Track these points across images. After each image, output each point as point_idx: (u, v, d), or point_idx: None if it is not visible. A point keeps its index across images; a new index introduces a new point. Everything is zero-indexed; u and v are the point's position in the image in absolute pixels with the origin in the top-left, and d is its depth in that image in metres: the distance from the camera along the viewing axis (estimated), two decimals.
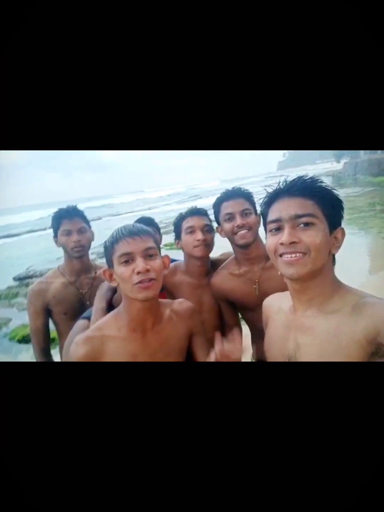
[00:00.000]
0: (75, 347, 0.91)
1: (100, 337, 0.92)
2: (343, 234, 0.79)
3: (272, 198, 0.79)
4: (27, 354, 4.16)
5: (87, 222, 1.60)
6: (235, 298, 1.42)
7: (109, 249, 0.92)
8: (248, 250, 1.34)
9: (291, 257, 0.74)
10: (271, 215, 0.78)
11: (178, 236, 1.46)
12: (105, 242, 0.94)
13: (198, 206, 1.49)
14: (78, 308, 1.50)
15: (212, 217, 1.44)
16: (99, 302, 1.27)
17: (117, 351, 0.91)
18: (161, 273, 0.92)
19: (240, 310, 1.48)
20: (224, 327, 1.51)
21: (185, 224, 1.41)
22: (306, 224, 0.73)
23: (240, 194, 1.34)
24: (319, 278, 0.76)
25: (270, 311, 0.97)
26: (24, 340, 4.53)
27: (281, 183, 0.78)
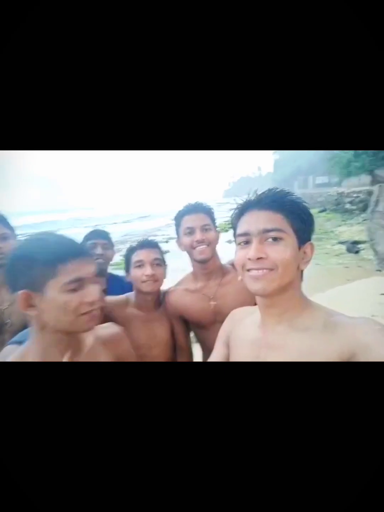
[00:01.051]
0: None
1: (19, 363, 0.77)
2: (312, 248, 0.77)
3: (242, 210, 0.78)
4: None
5: (9, 227, 1.41)
6: (191, 315, 1.40)
7: (42, 269, 0.72)
8: (205, 265, 1.35)
9: (257, 272, 0.72)
10: (240, 228, 0.77)
11: (127, 270, 1.41)
12: (28, 256, 0.73)
13: (149, 237, 1.45)
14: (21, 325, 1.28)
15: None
16: None
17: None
18: (102, 298, 0.84)
19: (194, 329, 1.47)
20: (175, 351, 1.49)
21: (135, 258, 1.36)
22: (275, 239, 0.72)
23: (201, 209, 1.35)
24: (288, 293, 0.75)
25: (234, 325, 0.92)
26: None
27: (251, 195, 0.77)
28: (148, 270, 1.33)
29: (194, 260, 1.38)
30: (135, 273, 1.35)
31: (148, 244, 1.39)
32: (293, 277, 0.74)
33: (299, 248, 0.75)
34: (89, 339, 0.87)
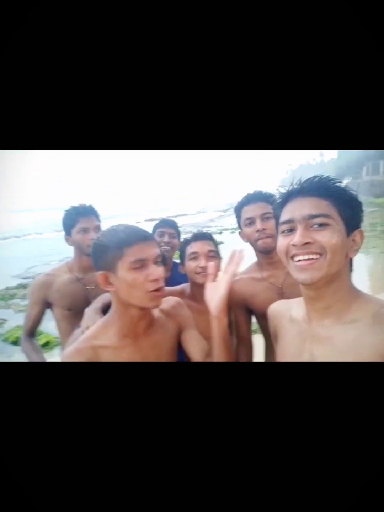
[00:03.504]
0: (66, 360, 0.86)
1: (90, 347, 0.87)
2: (362, 236, 0.73)
3: (285, 199, 0.75)
4: (21, 356, 4.08)
5: (99, 220, 1.61)
6: (257, 304, 1.34)
7: (113, 252, 0.83)
8: (270, 255, 1.31)
9: (304, 259, 0.69)
10: (283, 216, 0.74)
11: (182, 262, 1.42)
12: (104, 242, 0.85)
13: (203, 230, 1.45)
14: (83, 305, 1.43)
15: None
16: (95, 303, 1.23)
17: (111, 360, 0.87)
18: (165, 281, 0.90)
19: (258, 318, 1.41)
20: (237, 343, 1.46)
21: (189, 250, 1.37)
22: (321, 225, 0.68)
23: (260, 198, 1.30)
24: (336, 283, 0.71)
25: (279, 320, 0.91)
26: (18, 342, 4.45)
27: (294, 183, 0.74)
28: (202, 262, 1.32)
29: (257, 251, 1.35)
30: (190, 265, 1.36)
31: (202, 237, 1.39)
32: (341, 265, 0.70)
33: (348, 235, 0.71)
34: (156, 312, 0.99)
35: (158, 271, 0.84)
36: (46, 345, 4.24)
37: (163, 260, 1.19)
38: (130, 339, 0.90)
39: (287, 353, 0.83)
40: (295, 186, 0.73)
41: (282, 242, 0.74)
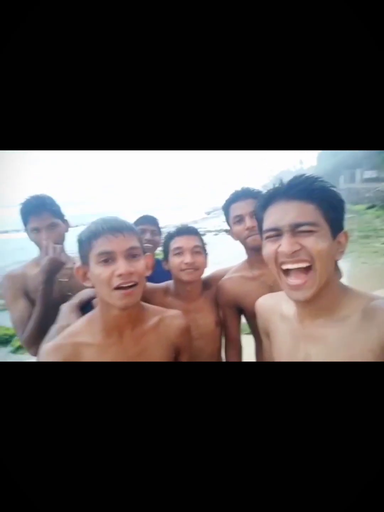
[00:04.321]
0: (44, 356, 0.80)
1: (72, 344, 0.81)
2: (347, 237, 0.72)
3: (268, 200, 0.72)
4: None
5: (57, 213, 1.43)
6: (248, 304, 1.29)
7: (84, 244, 0.80)
8: (260, 252, 1.28)
9: (294, 269, 0.68)
10: (267, 222, 0.71)
11: (166, 258, 1.33)
12: (80, 235, 0.82)
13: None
14: (59, 298, 1.31)
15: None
16: (73, 298, 1.15)
17: (93, 359, 0.81)
18: (144, 277, 0.82)
19: (249, 317, 1.38)
20: (226, 344, 1.41)
21: (173, 245, 1.28)
22: (308, 231, 0.67)
23: (248, 195, 1.27)
24: (326, 289, 0.71)
25: (269, 315, 0.89)
26: None
27: (277, 184, 0.71)
28: (187, 258, 1.23)
29: (248, 249, 1.32)
30: (174, 261, 1.26)
31: (187, 231, 1.29)
32: (330, 271, 0.70)
33: (334, 238, 0.70)
34: (154, 318, 0.93)
35: (125, 266, 0.76)
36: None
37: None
38: (114, 338, 0.85)
39: (282, 352, 0.82)
40: (278, 187, 0.70)
41: (269, 248, 0.72)
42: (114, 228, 0.77)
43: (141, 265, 0.81)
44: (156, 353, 0.90)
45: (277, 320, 0.86)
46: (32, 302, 1.37)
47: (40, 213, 1.37)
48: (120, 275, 0.75)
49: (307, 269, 0.68)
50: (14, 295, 1.38)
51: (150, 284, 1.35)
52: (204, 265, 1.30)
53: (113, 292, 0.77)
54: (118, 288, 0.76)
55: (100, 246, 0.76)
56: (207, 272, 1.36)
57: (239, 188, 1.32)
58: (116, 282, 0.76)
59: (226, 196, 1.34)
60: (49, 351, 0.80)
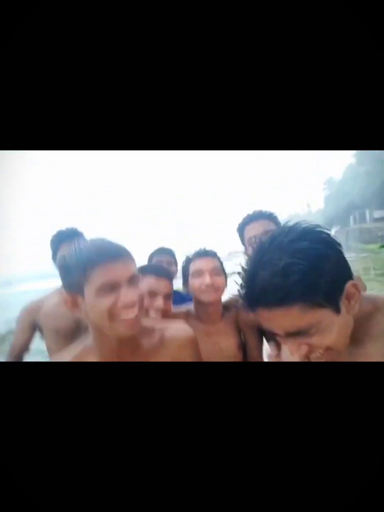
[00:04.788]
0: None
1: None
2: (355, 285, 0.59)
3: (248, 295, 0.59)
4: None
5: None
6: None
7: (75, 272, 0.71)
8: None
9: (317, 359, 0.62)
10: (265, 326, 0.61)
11: (185, 280, 1.34)
12: (65, 260, 0.74)
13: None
14: (72, 327, 1.42)
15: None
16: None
17: None
18: (142, 301, 0.76)
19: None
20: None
21: (193, 267, 1.30)
22: (307, 333, 0.58)
23: (262, 216, 1.31)
24: (349, 329, 0.63)
25: None
26: None
27: (241, 276, 0.60)
28: (207, 279, 1.24)
29: None
30: (194, 283, 1.27)
31: (206, 253, 1.31)
32: (349, 331, 0.62)
33: (337, 307, 0.57)
34: (154, 337, 0.85)
35: (131, 295, 0.70)
36: None
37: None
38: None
39: None
40: (256, 296, 0.57)
41: (273, 353, 0.72)
42: (111, 255, 0.70)
43: (140, 291, 0.75)
44: None
45: None
46: (40, 332, 1.56)
47: (71, 240, 1.51)
48: (126, 307, 0.70)
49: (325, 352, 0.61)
50: (23, 327, 1.55)
51: (172, 308, 1.33)
52: (223, 285, 1.30)
53: (116, 322, 0.71)
54: (121, 317, 0.71)
55: (100, 277, 0.69)
56: (227, 295, 1.36)
57: (250, 212, 1.39)
58: (124, 314, 0.71)
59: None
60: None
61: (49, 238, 1.58)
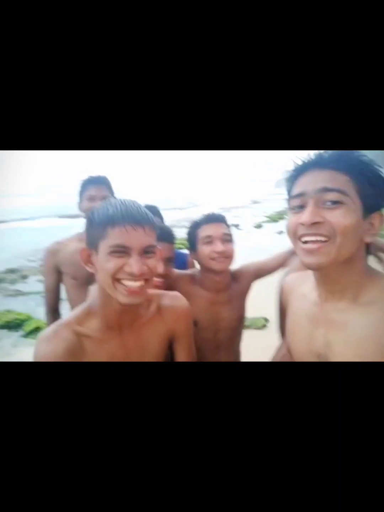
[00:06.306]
0: (44, 341, 0.75)
1: (72, 331, 0.77)
2: (381, 219, 0.64)
3: (299, 171, 0.66)
4: (8, 340, 4.17)
5: (112, 192, 1.63)
6: None
7: (97, 228, 0.71)
8: None
9: (311, 241, 0.62)
10: (295, 190, 0.66)
11: (193, 247, 1.26)
12: (93, 214, 0.74)
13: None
14: (88, 275, 1.34)
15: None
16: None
17: (91, 350, 0.78)
18: (153, 275, 0.76)
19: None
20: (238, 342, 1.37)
21: (201, 233, 1.21)
22: (335, 202, 0.61)
23: (216, 219, 1.21)
24: (347, 267, 0.65)
25: (290, 294, 0.84)
26: (7, 326, 4.48)
27: (312, 155, 0.65)
28: (218, 246, 1.17)
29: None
30: (203, 250, 1.20)
31: (216, 218, 1.23)
32: (353, 249, 0.63)
33: (365, 217, 0.63)
34: (152, 306, 0.87)
35: (138, 265, 0.70)
36: (36, 330, 4.27)
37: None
38: (114, 331, 0.81)
39: (298, 334, 0.76)
40: (313, 157, 0.65)
41: (291, 220, 0.67)
42: (135, 220, 0.70)
43: (153, 263, 0.74)
44: (153, 344, 0.86)
45: (296, 298, 0.80)
46: (60, 276, 1.62)
47: (100, 185, 1.59)
48: (130, 274, 0.70)
49: (325, 241, 0.63)
50: (47, 269, 1.63)
51: (176, 271, 1.30)
52: (233, 253, 1.23)
53: (118, 286, 0.72)
54: (123, 283, 0.72)
55: (116, 237, 0.69)
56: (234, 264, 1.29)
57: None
58: (124, 279, 0.71)
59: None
60: (49, 336, 0.76)
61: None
